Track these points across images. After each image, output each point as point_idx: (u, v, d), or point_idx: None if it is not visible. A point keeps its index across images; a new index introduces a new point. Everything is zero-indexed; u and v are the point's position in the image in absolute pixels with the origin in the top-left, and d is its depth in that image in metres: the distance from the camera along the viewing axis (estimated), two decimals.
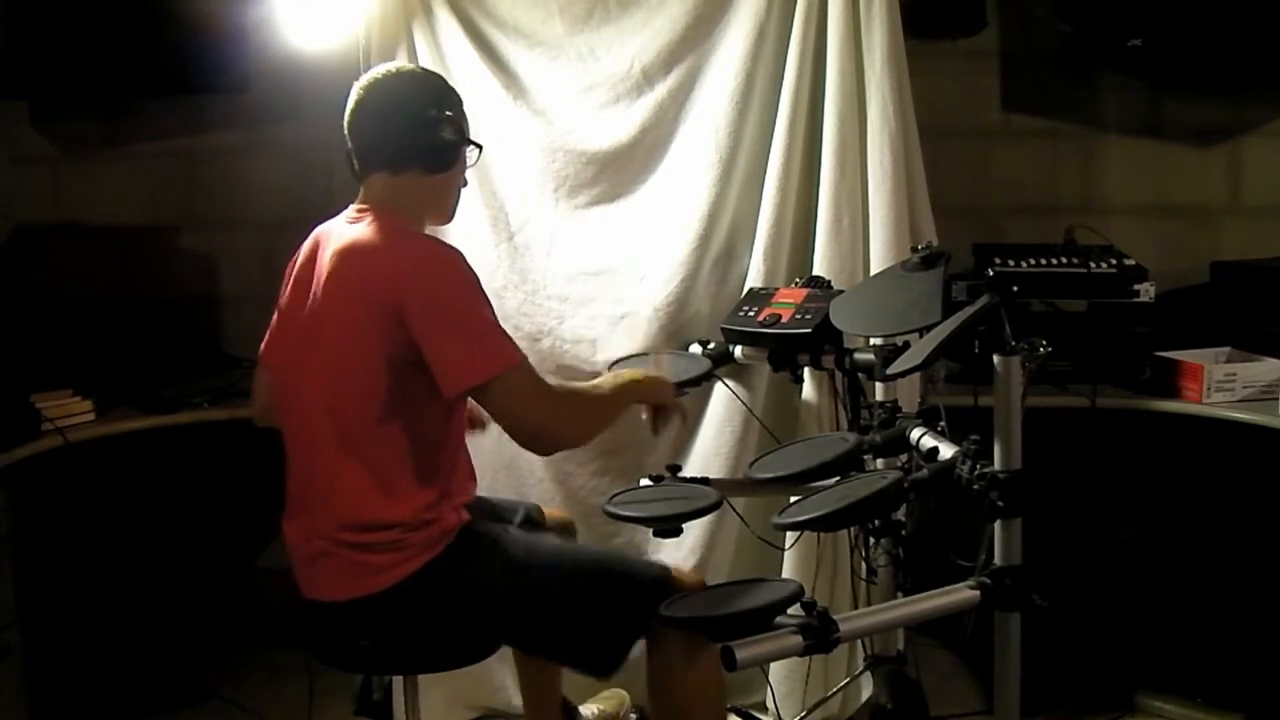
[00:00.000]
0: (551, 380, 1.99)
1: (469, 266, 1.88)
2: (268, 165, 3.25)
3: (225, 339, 3.24)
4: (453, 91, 2.04)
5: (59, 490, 2.93)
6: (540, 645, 2.04)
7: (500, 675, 2.73)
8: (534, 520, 2.25)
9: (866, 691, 2.50)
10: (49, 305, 3.02)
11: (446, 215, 2.10)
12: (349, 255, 1.89)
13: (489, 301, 1.89)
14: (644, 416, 2.19)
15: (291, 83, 3.07)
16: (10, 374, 2.57)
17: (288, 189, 3.20)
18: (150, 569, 3.11)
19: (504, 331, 1.87)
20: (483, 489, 2.16)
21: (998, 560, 1.77)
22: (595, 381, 2.08)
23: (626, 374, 2.12)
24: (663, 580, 1.96)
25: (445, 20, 2.63)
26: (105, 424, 2.70)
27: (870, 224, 2.51)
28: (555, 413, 1.91)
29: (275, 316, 2.05)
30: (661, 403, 2.16)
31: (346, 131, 1.97)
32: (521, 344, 2.58)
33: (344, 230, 1.94)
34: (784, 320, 2.30)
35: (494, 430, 2.04)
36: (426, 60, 2.62)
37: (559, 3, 2.61)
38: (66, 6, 2.91)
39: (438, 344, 1.81)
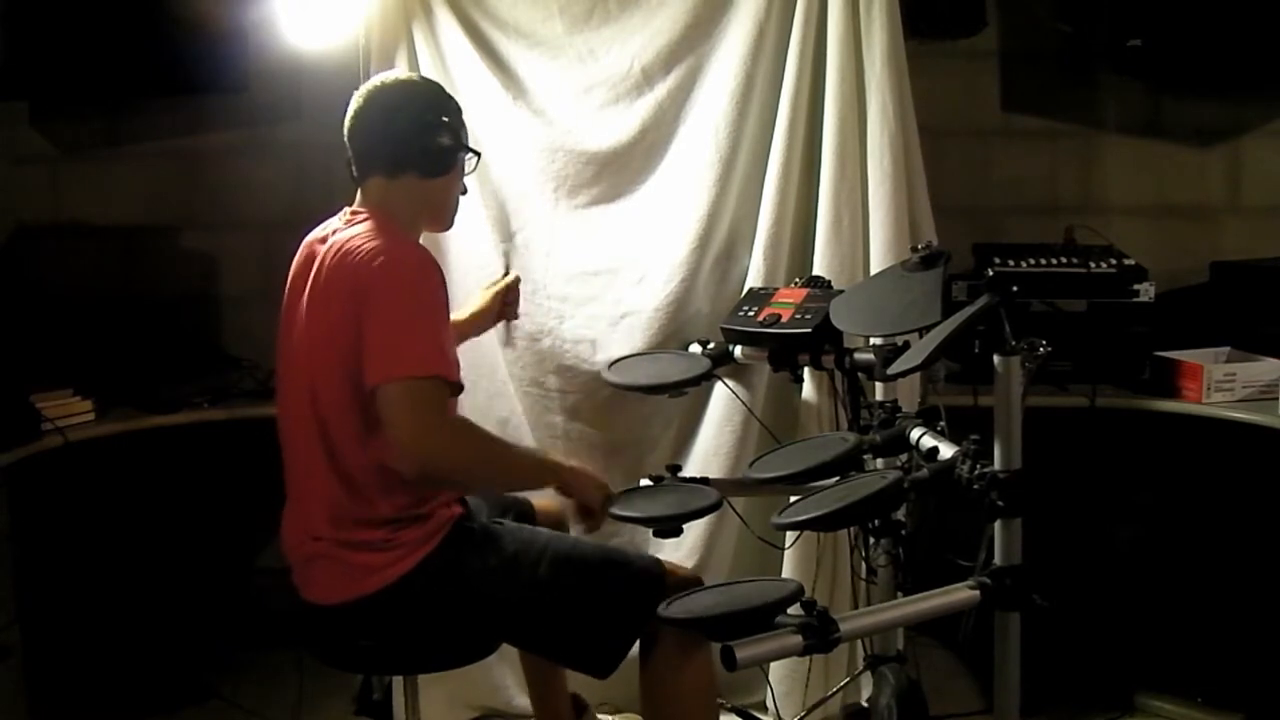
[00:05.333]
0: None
1: (435, 275, 1.87)
2: (268, 165, 3.25)
3: (225, 339, 3.24)
4: (451, 99, 2.06)
5: (59, 490, 2.93)
6: (538, 643, 2.05)
7: (500, 675, 2.73)
8: (526, 515, 2.25)
9: (866, 691, 2.50)
10: (49, 305, 3.03)
11: (444, 222, 2.11)
12: (339, 257, 1.89)
13: (441, 316, 1.87)
14: (562, 503, 2.11)
15: (291, 83, 3.07)
16: (10, 374, 2.57)
17: (288, 189, 3.20)
18: (150, 569, 3.11)
19: (436, 346, 1.81)
20: None
21: (998, 560, 1.77)
22: (529, 448, 2.02)
23: (563, 461, 2.05)
24: (657, 575, 1.97)
25: (445, 20, 2.62)
26: (105, 424, 2.71)
27: (870, 224, 2.51)
28: (435, 439, 1.79)
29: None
30: (586, 503, 2.05)
31: (346, 138, 2.01)
32: (521, 343, 2.64)
33: (340, 233, 1.94)
34: (784, 320, 2.30)
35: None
36: (426, 61, 2.62)
37: (559, 3, 2.61)
38: (66, 6, 2.91)
39: (366, 336, 1.80)
